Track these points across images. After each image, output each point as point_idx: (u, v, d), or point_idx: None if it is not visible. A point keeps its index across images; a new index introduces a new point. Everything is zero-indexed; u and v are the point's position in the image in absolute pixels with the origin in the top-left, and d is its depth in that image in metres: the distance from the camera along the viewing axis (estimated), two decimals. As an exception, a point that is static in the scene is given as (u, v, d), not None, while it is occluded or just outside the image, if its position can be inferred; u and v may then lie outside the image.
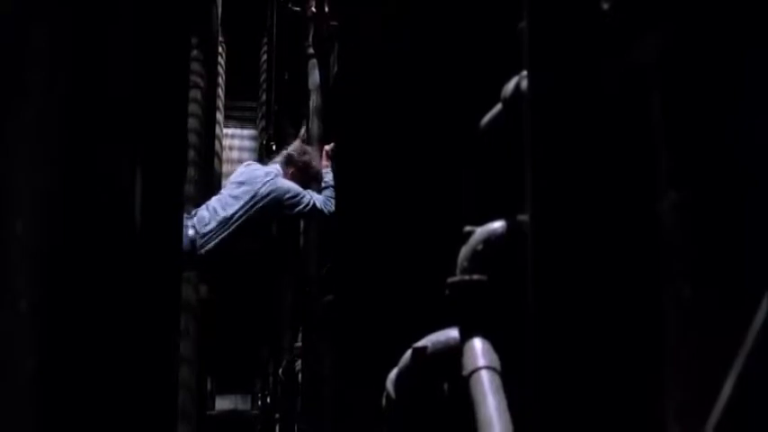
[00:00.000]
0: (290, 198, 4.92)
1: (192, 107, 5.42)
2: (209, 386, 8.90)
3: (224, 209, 4.97)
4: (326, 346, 3.59)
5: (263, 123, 9.18)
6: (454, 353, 1.29)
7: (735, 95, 0.90)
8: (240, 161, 8.10)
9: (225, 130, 9.56)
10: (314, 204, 4.86)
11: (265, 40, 9.08)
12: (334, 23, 4.42)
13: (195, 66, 5.60)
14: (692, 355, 0.94)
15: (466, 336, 1.24)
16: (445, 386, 1.44)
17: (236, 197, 5.01)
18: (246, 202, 4.96)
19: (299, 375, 5.21)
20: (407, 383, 1.46)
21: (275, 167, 5.16)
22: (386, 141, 2.81)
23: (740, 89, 0.92)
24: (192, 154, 5.52)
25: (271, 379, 7.59)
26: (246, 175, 5.19)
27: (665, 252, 0.97)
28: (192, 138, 5.61)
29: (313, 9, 5.27)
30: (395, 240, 2.66)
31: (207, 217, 4.98)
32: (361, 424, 2.62)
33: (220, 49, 8.10)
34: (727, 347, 0.81)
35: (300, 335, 5.43)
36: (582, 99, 1.05)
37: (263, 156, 8.30)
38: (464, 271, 1.27)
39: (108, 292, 1.57)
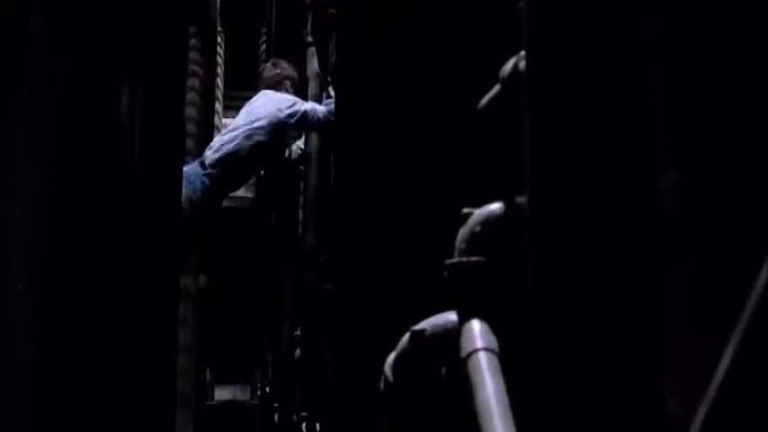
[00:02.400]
0: (287, 107, 5.15)
1: (191, 96, 5.40)
2: (208, 377, 8.90)
3: (231, 131, 5.39)
4: (325, 335, 3.58)
5: (262, 113, 9.14)
6: (453, 335, 1.29)
7: (731, 77, 0.89)
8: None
9: (224, 120, 9.53)
10: (306, 110, 5.06)
11: (264, 29, 9.06)
12: (333, 11, 4.41)
13: (194, 55, 5.58)
14: (690, 338, 0.94)
15: (464, 318, 1.23)
16: (443, 370, 1.43)
17: (244, 123, 5.40)
18: (250, 121, 5.33)
19: (299, 364, 5.21)
20: (405, 367, 1.46)
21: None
22: (384, 128, 2.80)
23: (737, 71, 0.91)
24: (190, 143, 5.51)
25: (270, 369, 7.59)
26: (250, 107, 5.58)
27: (663, 232, 0.96)
28: (191, 127, 5.59)
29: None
30: (393, 226, 2.66)
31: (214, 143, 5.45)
32: (360, 412, 2.61)
33: (219, 39, 8.07)
34: (726, 328, 0.80)
35: (300, 324, 5.43)
36: (580, 79, 1.05)
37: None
38: (462, 253, 1.27)
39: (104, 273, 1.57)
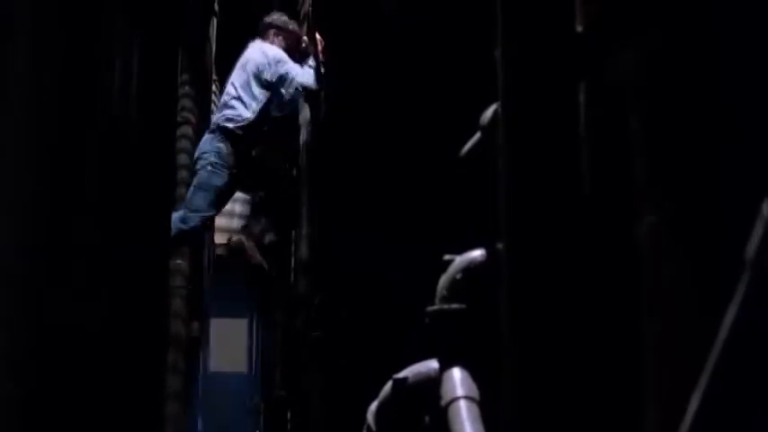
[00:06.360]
0: (276, 64, 5.20)
1: (183, 143, 5.41)
2: (199, 425, 8.82)
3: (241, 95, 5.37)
4: (315, 381, 3.57)
5: (255, 161, 9.17)
6: (435, 383, 1.28)
7: (709, 110, 0.90)
8: (233, 198, 8.05)
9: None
10: (295, 77, 5.11)
11: (258, 77, 9.10)
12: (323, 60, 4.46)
13: (187, 103, 5.59)
14: (668, 381, 0.93)
15: (445, 365, 1.23)
16: (426, 417, 1.42)
17: (243, 85, 5.38)
18: (250, 80, 5.32)
19: (288, 410, 5.18)
20: (388, 415, 1.45)
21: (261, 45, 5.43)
22: (373, 176, 2.81)
23: (716, 104, 0.92)
24: (182, 190, 5.50)
25: (261, 420, 7.54)
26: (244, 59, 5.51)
27: (641, 277, 0.96)
28: (184, 174, 5.59)
29: (303, 43, 5.35)
30: (382, 274, 2.66)
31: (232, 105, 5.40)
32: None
33: (214, 87, 8.10)
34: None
35: (291, 370, 5.40)
36: (555, 128, 1.05)
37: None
38: (443, 299, 1.27)
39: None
